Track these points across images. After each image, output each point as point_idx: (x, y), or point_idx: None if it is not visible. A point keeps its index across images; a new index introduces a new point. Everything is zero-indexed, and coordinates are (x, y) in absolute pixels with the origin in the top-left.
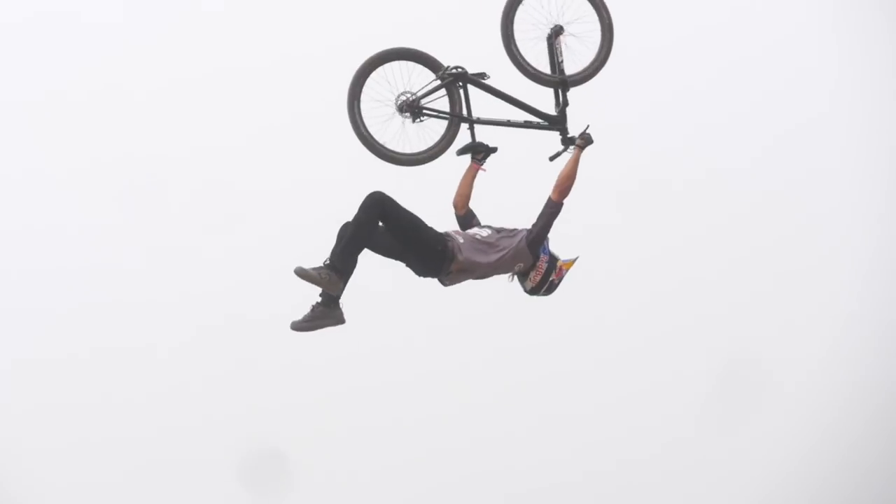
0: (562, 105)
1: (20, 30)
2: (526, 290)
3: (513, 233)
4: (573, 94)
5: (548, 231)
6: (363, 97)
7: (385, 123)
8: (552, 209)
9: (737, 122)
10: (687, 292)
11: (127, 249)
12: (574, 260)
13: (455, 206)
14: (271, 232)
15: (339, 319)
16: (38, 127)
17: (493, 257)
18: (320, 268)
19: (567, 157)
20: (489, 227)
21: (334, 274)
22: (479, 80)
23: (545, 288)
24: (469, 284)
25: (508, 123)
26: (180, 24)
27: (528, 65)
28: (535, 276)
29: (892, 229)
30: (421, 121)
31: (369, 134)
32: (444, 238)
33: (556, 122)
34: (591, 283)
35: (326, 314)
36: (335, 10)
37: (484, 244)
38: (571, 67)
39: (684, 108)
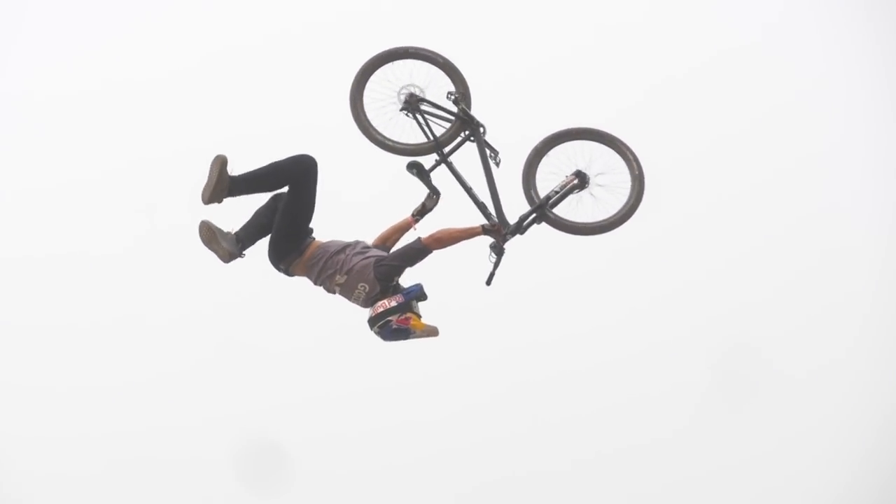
0: (522, 226)
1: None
2: (367, 319)
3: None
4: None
5: (402, 266)
6: (379, 71)
7: (381, 103)
8: (417, 250)
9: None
10: (693, 288)
11: (124, 238)
12: (429, 328)
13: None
14: None
15: (230, 254)
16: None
17: (336, 259)
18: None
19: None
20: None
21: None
22: (485, 151)
23: (380, 324)
24: (468, 282)
25: (468, 192)
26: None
27: (534, 180)
28: (378, 307)
29: None
30: (407, 116)
31: (361, 103)
32: (307, 240)
33: (503, 232)
34: (592, 281)
35: (227, 239)
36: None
37: (338, 248)
38: (568, 212)
39: None
